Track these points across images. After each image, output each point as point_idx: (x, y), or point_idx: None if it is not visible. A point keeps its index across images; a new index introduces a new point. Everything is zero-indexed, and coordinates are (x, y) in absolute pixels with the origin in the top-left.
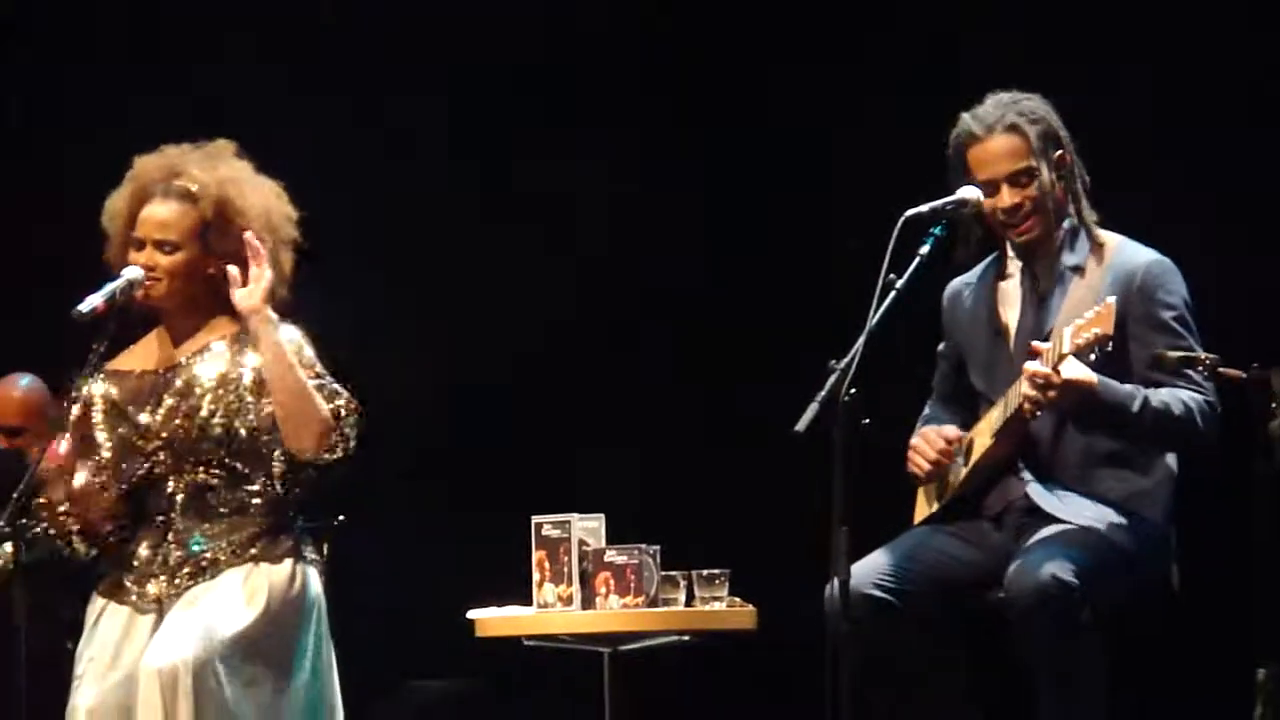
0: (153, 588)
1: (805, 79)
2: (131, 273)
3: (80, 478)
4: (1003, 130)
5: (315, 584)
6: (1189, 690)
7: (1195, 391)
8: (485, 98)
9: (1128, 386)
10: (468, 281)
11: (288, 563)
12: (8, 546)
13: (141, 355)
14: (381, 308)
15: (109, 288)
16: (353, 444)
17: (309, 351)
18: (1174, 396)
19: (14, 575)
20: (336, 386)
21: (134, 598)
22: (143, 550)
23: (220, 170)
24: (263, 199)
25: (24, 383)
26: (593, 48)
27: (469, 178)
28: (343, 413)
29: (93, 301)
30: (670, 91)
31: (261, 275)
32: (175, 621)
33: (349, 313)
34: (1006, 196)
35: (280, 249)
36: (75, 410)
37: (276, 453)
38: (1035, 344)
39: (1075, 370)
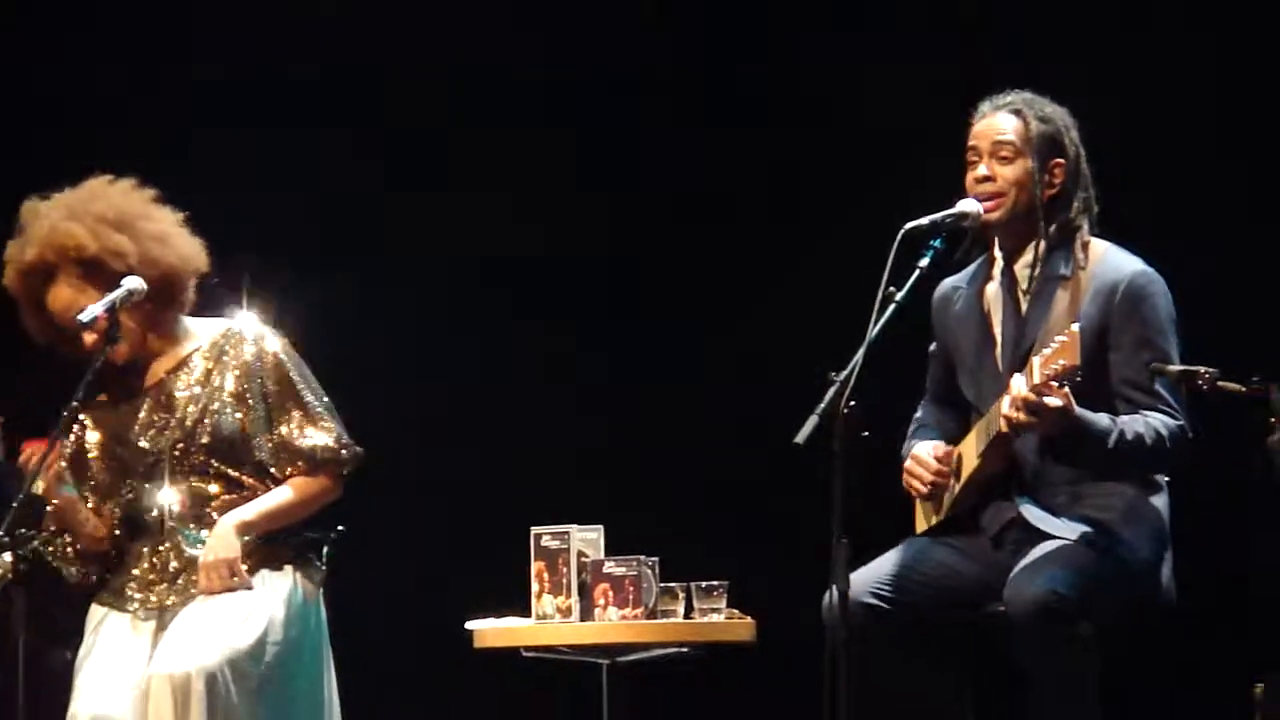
0: (154, 595)
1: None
2: (131, 282)
3: (67, 490)
4: (1006, 110)
5: (317, 593)
6: (1187, 704)
7: (1170, 416)
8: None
9: (1105, 419)
10: (464, 287)
11: (289, 570)
12: (7, 556)
13: (121, 383)
14: (375, 314)
15: (110, 297)
16: (348, 476)
17: (297, 376)
18: (1148, 426)
19: (13, 584)
20: (331, 423)
21: (135, 605)
22: (143, 560)
23: (41, 230)
24: (88, 214)
25: None
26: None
27: (470, 181)
28: (329, 460)
29: (93, 311)
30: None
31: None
32: (183, 629)
33: (342, 319)
34: (981, 167)
35: (138, 227)
36: (73, 433)
37: (263, 456)
38: (1012, 380)
39: (1057, 397)
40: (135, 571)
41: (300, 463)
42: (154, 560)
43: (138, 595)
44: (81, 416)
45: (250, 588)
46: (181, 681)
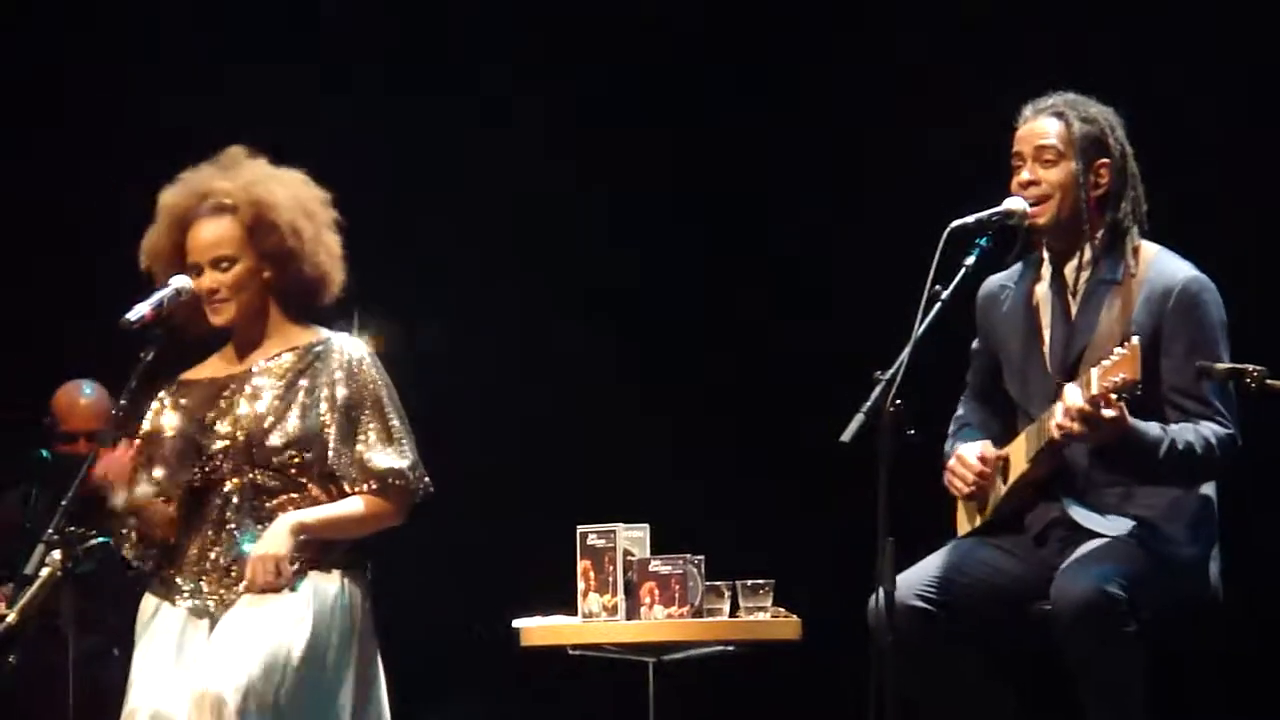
0: (205, 586)
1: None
2: (179, 281)
3: (142, 489)
4: (1049, 114)
5: (363, 595)
6: (1234, 702)
7: (1221, 425)
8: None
9: (1156, 429)
10: (513, 288)
11: (336, 573)
12: (57, 554)
13: (213, 365)
14: (426, 313)
15: (157, 296)
16: (414, 506)
17: (386, 398)
18: (1198, 435)
19: (63, 582)
20: (409, 450)
21: (186, 597)
22: (195, 550)
23: (244, 175)
24: (291, 190)
25: (88, 390)
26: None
27: (521, 189)
28: (399, 485)
29: (140, 310)
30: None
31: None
32: (226, 640)
33: (396, 321)
34: (1025, 172)
35: (322, 232)
36: (146, 422)
37: (334, 467)
38: (1066, 390)
39: (1113, 409)
40: (186, 559)
41: (371, 482)
42: (207, 552)
43: (187, 586)
44: (168, 400)
45: (294, 588)
46: (215, 701)
